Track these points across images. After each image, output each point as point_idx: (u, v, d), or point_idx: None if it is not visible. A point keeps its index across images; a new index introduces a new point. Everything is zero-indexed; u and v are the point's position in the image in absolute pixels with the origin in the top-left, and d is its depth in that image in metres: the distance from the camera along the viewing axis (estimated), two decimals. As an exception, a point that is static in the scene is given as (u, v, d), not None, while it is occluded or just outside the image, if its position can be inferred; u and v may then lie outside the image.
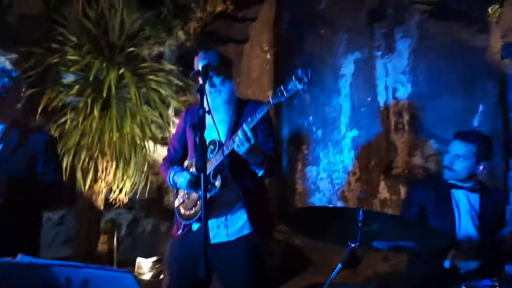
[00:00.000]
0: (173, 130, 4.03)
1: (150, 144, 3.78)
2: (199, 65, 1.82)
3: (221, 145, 1.84)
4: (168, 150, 2.15)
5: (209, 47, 4.13)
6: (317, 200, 3.94)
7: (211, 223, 1.89)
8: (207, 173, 1.79)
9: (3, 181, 1.82)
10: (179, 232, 1.94)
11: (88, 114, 3.24)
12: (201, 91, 1.60)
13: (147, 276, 3.60)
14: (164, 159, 2.14)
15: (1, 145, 1.92)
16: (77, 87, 3.32)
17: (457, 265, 2.03)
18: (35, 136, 2.04)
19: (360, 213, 1.55)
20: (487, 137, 2.25)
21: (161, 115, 3.82)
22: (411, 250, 1.63)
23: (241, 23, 4.10)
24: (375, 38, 3.84)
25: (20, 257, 1.03)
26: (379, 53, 3.80)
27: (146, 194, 3.92)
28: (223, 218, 1.89)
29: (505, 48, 3.36)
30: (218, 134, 1.76)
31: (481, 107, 3.37)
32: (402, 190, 3.47)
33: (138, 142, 3.60)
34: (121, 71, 3.38)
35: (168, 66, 3.70)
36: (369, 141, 3.77)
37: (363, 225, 1.57)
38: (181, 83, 3.75)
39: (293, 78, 1.65)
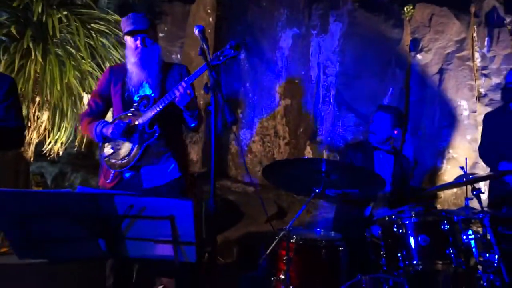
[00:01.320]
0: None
1: (87, 97, 3.64)
2: (195, 30, 1.90)
3: (154, 99, 2.05)
4: (89, 105, 2.25)
5: (155, 4, 4.05)
6: (249, 160, 4.32)
7: (144, 170, 2.10)
8: (142, 124, 2.02)
9: None
10: (108, 182, 2.10)
11: (28, 58, 2.96)
12: (204, 53, 1.76)
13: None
14: (84, 114, 2.23)
15: None
16: (13, 26, 2.98)
17: (374, 212, 2.61)
18: None
19: (323, 163, 1.93)
20: (400, 110, 2.94)
21: (99, 67, 3.67)
22: (354, 196, 2.09)
23: (188, -18, 4.09)
24: (312, 17, 4.25)
25: (80, 188, 1.11)
26: (315, 32, 4.23)
27: (77, 148, 3.81)
28: (154, 166, 2.11)
29: (413, 43, 4.10)
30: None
31: (390, 90, 4.09)
32: (325, 154, 4.06)
33: (76, 93, 3.45)
34: (64, 13, 3.14)
35: (112, 16, 3.54)
36: (299, 110, 4.24)
37: (325, 175, 1.97)
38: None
39: (228, 46, 1.89)
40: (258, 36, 4.41)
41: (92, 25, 3.44)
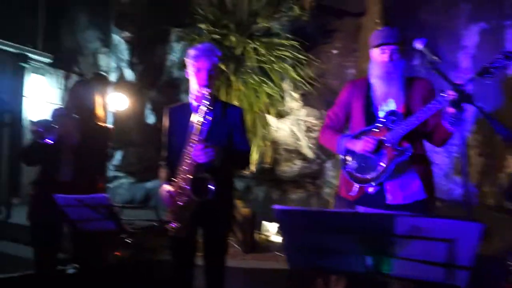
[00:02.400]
0: (290, 103, 4.19)
1: (269, 117, 3.98)
2: (417, 44, 1.83)
3: (402, 115, 1.97)
4: (329, 117, 2.27)
5: (325, 21, 4.18)
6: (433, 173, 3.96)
7: (388, 186, 2.02)
8: (394, 141, 1.97)
9: (218, 149, 2.03)
10: (351, 194, 2.09)
11: (230, 88, 3.42)
12: (435, 67, 1.68)
13: (274, 238, 3.87)
14: (325, 126, 2.27)
15: (211, 118, 2.11)
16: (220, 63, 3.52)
17: None
18: (231, 109, 2.25)
19: None
20: None
21: (279, 88, 3.98)
22: None
23: (356, -5, 4.09)
24: (504, 7, 3.69)
25: (358, 208, 1.22)
26: (509, 22, 3.66)
27: (261, 164, 4.19)
28: (399, 183, 2.01)
29: None
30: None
31: None
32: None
33: (262, 114, 3.80)
34: (257, 44, 3.52)
35: (290, 41, 3.80)
36: (493, 114, 3.70)
37: None
38: (301, 57, 3.83)
39: (500, 56, 1.74)
40: (433, 38, 4.06)
41: (275, 52, 3.75)
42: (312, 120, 4.07)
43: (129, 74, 5.40)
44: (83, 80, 2.66)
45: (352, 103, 2.18)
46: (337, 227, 1.22)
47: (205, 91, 2.06)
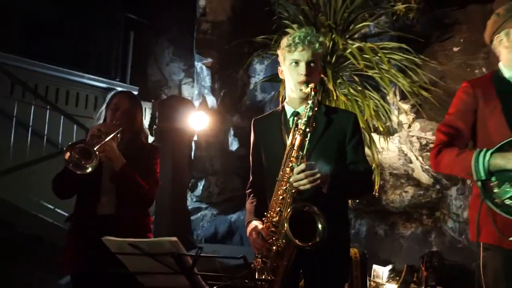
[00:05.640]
0: (401, 117, 3.45)
1: (375, 135, 3.28)
2: None
3: None
4: (446, 135, 1.61)
5: (443, 16, 3.43)
6: None
7: None
8: None
9: (326, 170, 1.45)
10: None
11: (328, 97, 2.85)
12: None
13: (389, 286, 3.07)
14: (441, 147, 1.60)
15: (315, 127, 1.53)
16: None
17: None
18: (341, 115, 1.64)
19: None
20: None
21: (383, 100, 3.28)
22: None
23: (481, -21, 3.29)
24: None
25: None
26: None
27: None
28: None
29: None
30: None
31: None
32: None
33: (366, 133, 3.11)
34: (359, 45, 2.92)
35: (397, 44, 3.12)
36: None
37: None
38: (415, 59, 3.11)
39: None
40: None
41: (385, 54, 3.08)
42: (428, 135, 3.24)
43: (211, 101, 5.18)
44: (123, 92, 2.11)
45: (480, 109, 1.57)
46: None
47: (306, 89, 1.54)
